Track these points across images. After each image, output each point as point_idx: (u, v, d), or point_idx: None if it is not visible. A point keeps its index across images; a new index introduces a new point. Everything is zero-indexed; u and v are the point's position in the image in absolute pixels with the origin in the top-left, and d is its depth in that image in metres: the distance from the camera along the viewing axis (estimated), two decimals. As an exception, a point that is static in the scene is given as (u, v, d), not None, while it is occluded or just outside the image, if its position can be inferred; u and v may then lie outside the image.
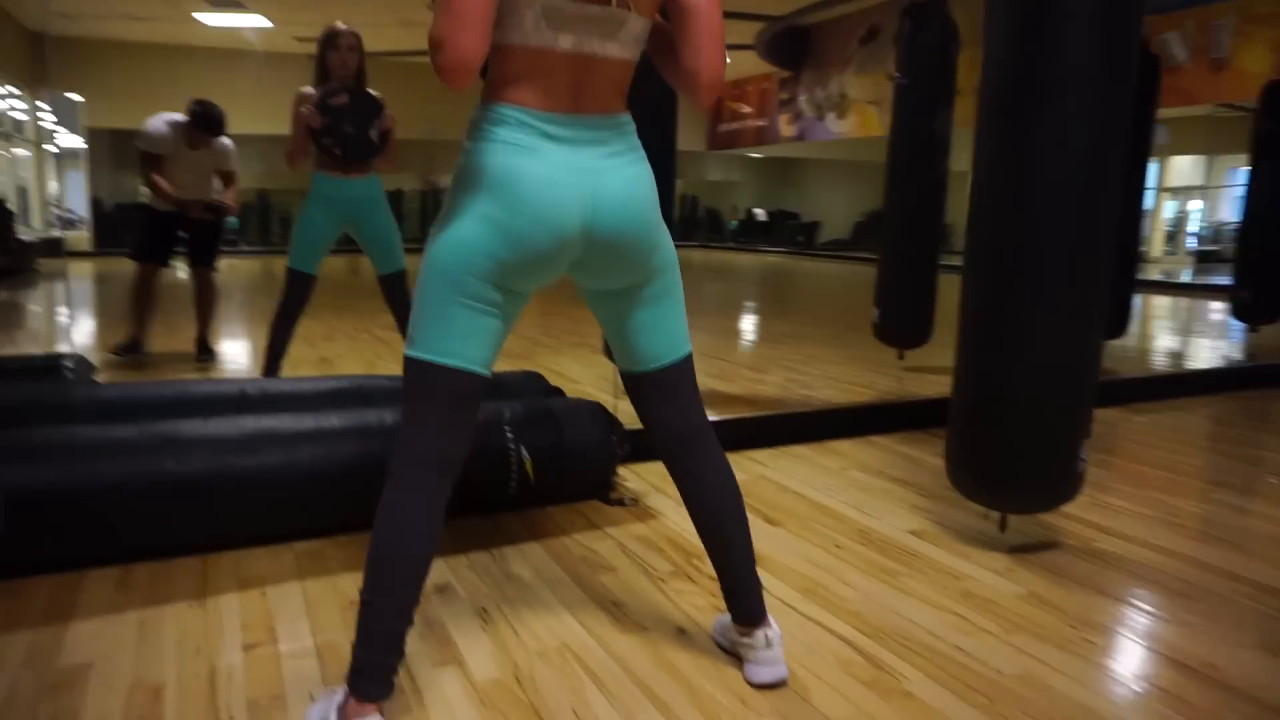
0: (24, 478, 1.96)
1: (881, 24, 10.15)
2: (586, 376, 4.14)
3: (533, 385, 2.94)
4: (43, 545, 2.00)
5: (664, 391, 1.62)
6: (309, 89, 3.37)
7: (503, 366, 2.36)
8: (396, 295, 3.71)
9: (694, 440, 1.64)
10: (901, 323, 4.50)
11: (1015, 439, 2.15)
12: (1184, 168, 17.01)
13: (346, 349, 4.99)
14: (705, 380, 4.16)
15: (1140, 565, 2.24)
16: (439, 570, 2.10)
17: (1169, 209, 18.05)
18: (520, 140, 1.38)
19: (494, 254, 1.38)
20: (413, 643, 1.68)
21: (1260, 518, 2.66)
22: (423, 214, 16.17)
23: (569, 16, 1.34)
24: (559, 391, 2.94)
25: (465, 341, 1.42)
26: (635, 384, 1.65)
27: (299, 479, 2.18)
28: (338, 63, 3.35)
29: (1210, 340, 6.64)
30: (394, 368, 3.68)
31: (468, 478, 1.54)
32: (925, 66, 4.18)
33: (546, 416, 2.51)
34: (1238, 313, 5.86)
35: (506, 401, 2.53)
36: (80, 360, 3.06)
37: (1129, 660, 1.77)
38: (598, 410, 2.60)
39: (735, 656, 1.70)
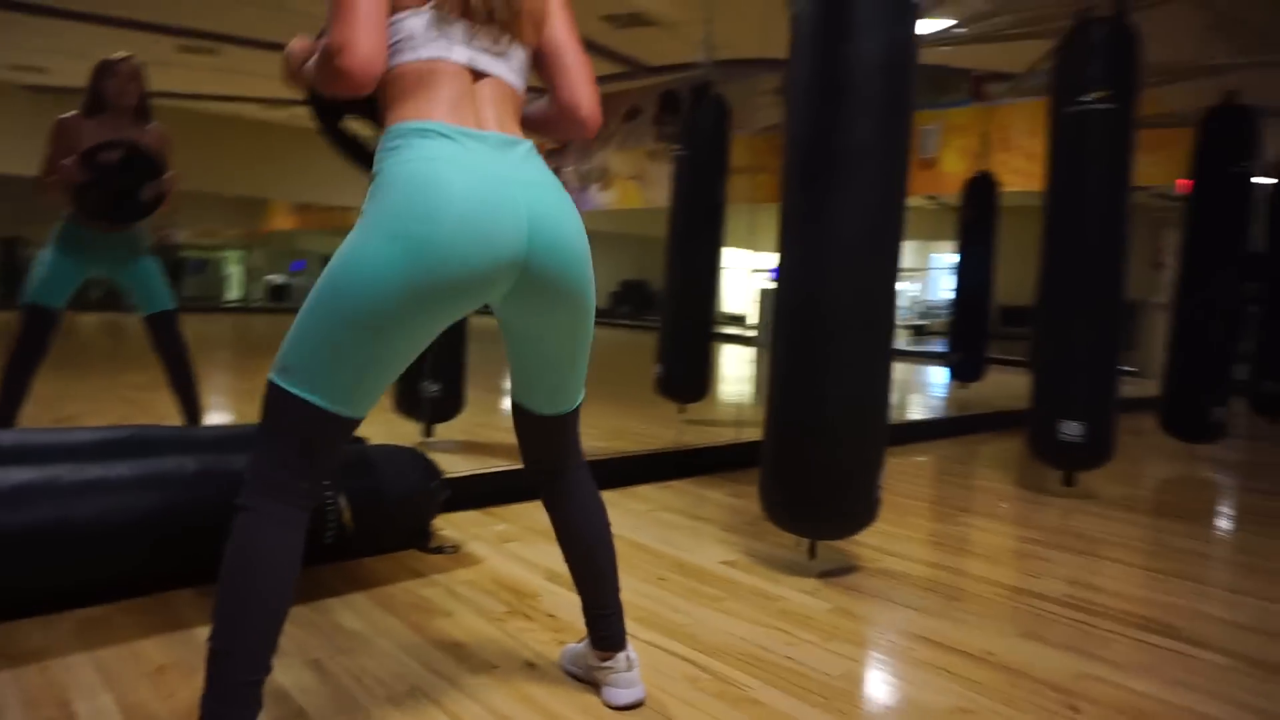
0: None
1: (641, 105, 10.85)
2: (379, 433, 3.96)
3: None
4: None
5: (562, 432, 1.64)
6: (72, 114, 3.04)
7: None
8: (166, 337, 3.36)
9: (575, 472, 1.68)
10: (683, 378, 4.78)
11: (823, 474, 2.38)
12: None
13: (88, 409, 4.43)
14: (495, 434, 4.16)
15: (919, 578, 2.54)
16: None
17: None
18: (439, 150, 1.28)
19: (409, 277, 1.23)
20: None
21: (998, 534, 3.11)
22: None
23: (457, 28, 1.34)
24: (362, 440, 2.82)
25: (353, 384, 1.29)
26: (537, 424, 1.63)
27: (80, 536, 1.92)
28: (116, 91, 3.05)
29: (927, 396, 7.63)
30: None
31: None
32: (703, 142, 4.57)
33: (363, 462, 2.41)
34: (953, 372, 6.83)
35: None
36: None
37: (925, 654, 2.01)
38: (417, 455, 2.54)
39: (589, 683, 1.73)
